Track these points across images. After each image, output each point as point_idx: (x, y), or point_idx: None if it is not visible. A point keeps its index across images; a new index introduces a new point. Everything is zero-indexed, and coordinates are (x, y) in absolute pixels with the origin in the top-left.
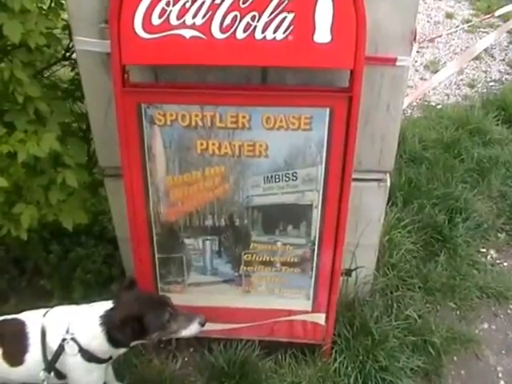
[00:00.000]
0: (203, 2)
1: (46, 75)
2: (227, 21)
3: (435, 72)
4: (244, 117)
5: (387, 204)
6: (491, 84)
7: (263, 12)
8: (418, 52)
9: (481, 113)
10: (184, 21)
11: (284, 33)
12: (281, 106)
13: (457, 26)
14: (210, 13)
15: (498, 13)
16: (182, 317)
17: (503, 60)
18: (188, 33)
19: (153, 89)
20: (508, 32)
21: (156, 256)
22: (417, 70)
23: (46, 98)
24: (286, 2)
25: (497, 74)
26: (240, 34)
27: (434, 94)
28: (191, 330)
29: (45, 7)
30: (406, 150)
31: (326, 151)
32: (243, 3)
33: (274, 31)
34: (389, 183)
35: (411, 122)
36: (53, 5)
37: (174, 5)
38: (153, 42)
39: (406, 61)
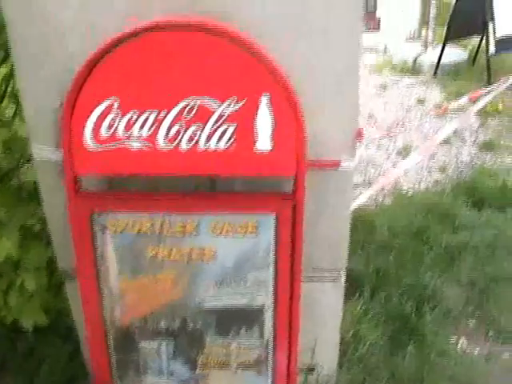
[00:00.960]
0: (149, 115)
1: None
2: (172, 132)
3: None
4: (192, 224)
5: (354, 296)
6: (462, 167)
7: (206, 123)
8: (390, 138)
9: (451, 198)
10: (131, 133)
11: (227, 143)
12: (228, 213)
13: (428, 111)
14: (155, 125)
15: (451, 106)
16: None
17: (474, 142)
18: (135, 144)
19: (104, 197)
20: (478, 114)
21: (113, 358)
22: (389, 157)
23: (7, 203)
24: (228, 113)
25: (467, 157)
26: (184, 145)
27: (406, 180)
28: None
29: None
30: (375, 238)
31: (273, 255)
32: (187, 115)
33: (217, 141)
34: (343, 281)
35: (382, 210)
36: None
37: (121, 117)
38: (102, 153)
39: (350, 164)
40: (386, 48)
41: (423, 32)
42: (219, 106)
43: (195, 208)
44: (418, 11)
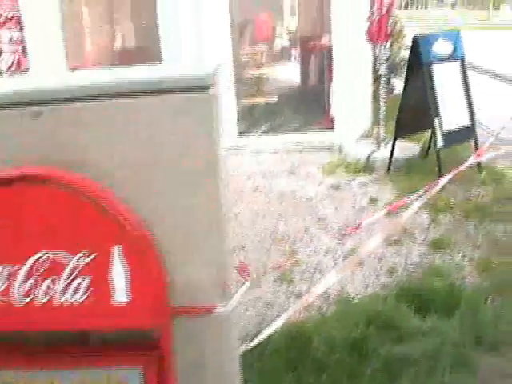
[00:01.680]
0: (3, 270)
1: None
2: (27, 286)
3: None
4: (56, 381)
5: None
6: (411, 268)
7: (60, 276)
8: (339, 242)
9: (394, 304)
10: None
11: (82, 296)
12: (93, 368)
13: (379, 211)
14: (10, 279)
15: (366, 222)
16: None
17: (424, 240)
18: None
19: None
20: (429, 211)
21: None
22: (336, 263)
23: None
24: (81, 266)
25: (417, 257)
26: (40, 299)
27: (353, 284)
28: None
29: None
30: (309, 355)
31: None
32: (40, 269)
33: (73, 294)
34: None
35: (322, 321)
36: None
37: None
38: None
39: (225, 309)
40: (340, 147)
41: (375, 129)
42: (71, 258)
43: (58, 364)
44: (370, 109)
